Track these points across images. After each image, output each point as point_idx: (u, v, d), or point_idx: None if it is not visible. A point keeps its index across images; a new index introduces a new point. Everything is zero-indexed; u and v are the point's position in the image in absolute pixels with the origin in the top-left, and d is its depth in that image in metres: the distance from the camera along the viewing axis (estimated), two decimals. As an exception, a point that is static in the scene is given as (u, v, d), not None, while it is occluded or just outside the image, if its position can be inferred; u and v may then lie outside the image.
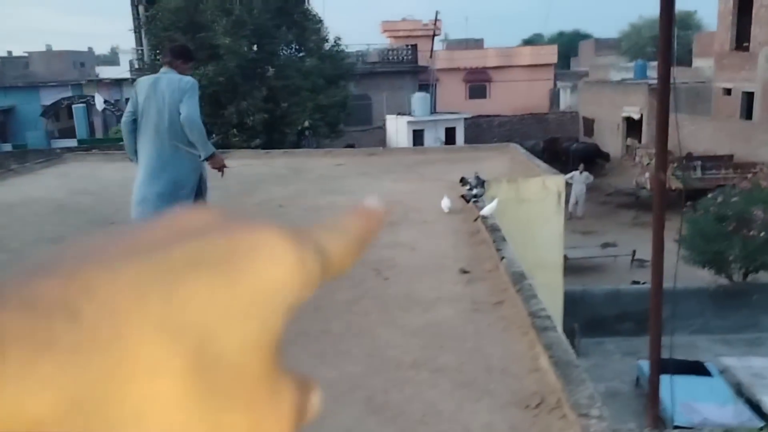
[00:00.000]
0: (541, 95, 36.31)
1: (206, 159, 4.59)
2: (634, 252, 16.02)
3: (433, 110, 28.25)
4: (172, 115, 4.40)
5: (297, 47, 20.62)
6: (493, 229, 5.27)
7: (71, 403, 0.20)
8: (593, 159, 25.90)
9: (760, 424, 8.53)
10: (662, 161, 6.98)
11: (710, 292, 13.33)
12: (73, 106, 27.61)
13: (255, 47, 18.83)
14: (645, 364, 8.58)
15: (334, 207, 6.98)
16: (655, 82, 7.42)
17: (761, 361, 10.50)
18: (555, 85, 38.08)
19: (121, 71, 30.18)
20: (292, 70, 19.33)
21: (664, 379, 7.33)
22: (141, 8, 22.07)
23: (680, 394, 8.11)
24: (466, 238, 5.54)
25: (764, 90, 23.16)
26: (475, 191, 6.68)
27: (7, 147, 24.31)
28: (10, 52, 41.76)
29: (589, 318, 12.41)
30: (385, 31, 37.42)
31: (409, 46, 31.53)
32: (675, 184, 16.42)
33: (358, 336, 3.55)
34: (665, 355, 7.24)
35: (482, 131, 30.02)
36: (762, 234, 12.74)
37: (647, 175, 19.60)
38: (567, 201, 15.45)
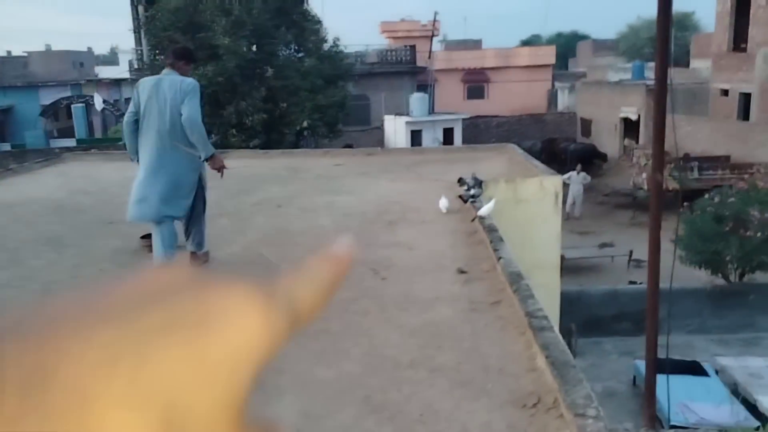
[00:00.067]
0: (539, 96, 36.35)
1: (206, 159, 4.63)
2: (631, 252, 16.05)
3: (432, 111, 28.27)
4: (173, 116, 4.45)
5: (296, 47, 20.62)
6: (491, 230, 5.29)
7: None
8: (591, 159, 25.93)
9: (757, 424, 8.56)
10: (659, 162, 7.00)
11: (707, 292, 13.37)
12: (72, 105, 27.58)
13: (254, 47, 18.82)
14: (642, 364, 8.60)
15: (332, 207, 7.01)
16: (653, 82, 7.45)
17: (758, 361, 10.53)
18: (553, 85, 38.12)
19: (121, 71, 30.15)
20: (291, 70, 19.33)
21: (661, 379, 7.35)
22: (140, 8, 22.05)
23: (677, 394, 8.13)
24: (463, 238, 5.56)
25: (761, 91, 23.20)
26: (472, 191, 6.70)
27: (6, 147, 24.28)
28: (9, 52, 41.67)
29: (586, 318, 12.44)
30: (383, 31, 37.43)
31: (408, 47, 31.53)
32: (672, 184, 16.46)
33: (356, 335, 3.57)
34: (662, 355, 7.26)
35: (480, 132, 30.04)
36: (759, 234, 12.77)
37: (644, 175, 19.60)
38: (564, 201, 15.49)
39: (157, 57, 19.63)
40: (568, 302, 9.36)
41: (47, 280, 4.73)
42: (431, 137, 25.66)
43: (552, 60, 37.53)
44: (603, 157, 27.25)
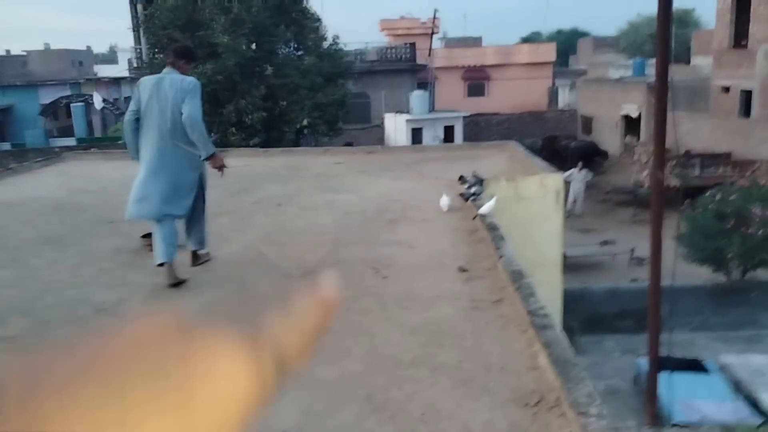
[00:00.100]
0: (539, 93, 36.32)
1: (207, 158, 4.63)
2: (633, 250, 16.04)
3: (432, 108, 28.24)
4: (174, 115, 4.46)
5: (295, 45, 20.61)
6: (492, 228, 5.27)
7: None
8: (592, 157, 25.91)
9: (759, 421, 8.55)
10: (660, 159, 6.99)
11: (709, 289, 13.35)
12: (72, 104, 27.56)
13: (254, 45, 18.81)
14: (644, 362, 8.59)
15: (332, 206, 6.99)
16: (654, 79, 7.43)
17: (760, 358, 10.52)
18: (553, 83, 38.09)
19: (120, 70, 30.18)
20: (290, 68, 19.31)
21: (663, 377, 7.34)
22: (139, 7, 22.05)
23: (679, 392, 8.13)
24: (464, 236, 5.55)
25: (763, 87, 23.17)
26: (473, 189, 6.69)
27: (6, 146, 24.28)
28: (8, 51, 41.65)
29: (588, 316, 12.43)
30: (383, 29, 37.40)
31: (408, 45, 31.50)
32: (673, 181, 16.44)
33: (357, 334, 3.56)
34: (664, 352, 7.26)
35: (481, 129, 30.02)
36: (760, 231, 12.75)
37: (646, 172, 19.58)
38: (565, 199, 15.47)
39: (157, 55, 19.62)
40: (570, 300, 9.34)
41: (48, 280, 4.72)
42: (432, 135, 25.65)
43: (552, 57, 37.49)
44: (604, 154, 27.24)
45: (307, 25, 20.14)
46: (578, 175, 21.16)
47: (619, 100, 28.08)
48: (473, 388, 2.88)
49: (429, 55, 33.34)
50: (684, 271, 11.76)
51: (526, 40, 55.56)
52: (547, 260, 7.49)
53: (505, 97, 35.02)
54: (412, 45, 31.49)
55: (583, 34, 58.07)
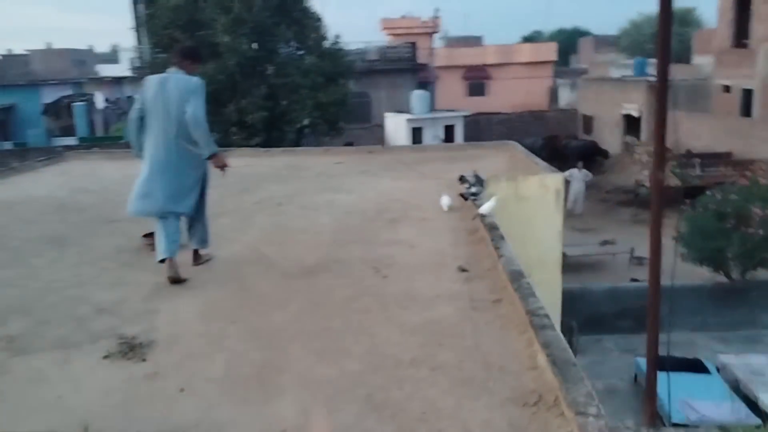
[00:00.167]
0: (540, 93, 36.30)
1: (209, 157, 4.66)
2: (633, 249, 16.05)
3: (432, 108, 28.24)
4: (178, 114, 4.52)
5: (296, 45, 20.60)
6: (492, 228, 5.29)
7: None
8: (592, 156, 25.92)
9: (758, 421, 8.56)
10: (660, 159, 6.99)
11: (708, 289, 13.36)
12: (74, 104, 27.59)
13: (254, 45, 18.81)
14: (643, 362, 8.60)
15: (332, 205, 7.01)
16: (655, 79, 7.44)
17: (759, 359, 10.53)
18: (554, 82, 38.06)
19: (122, 69, 30.17)
20: (291, 67, 19.32)
21: (662, 377, 7.35)
22: (141, 6, 22.06)
23: (678, 392, 8.14)
24: (464, 236, 5.56)
25: (763, 87, 23.16)
26: (473, 189, 6.70)
27: (8, 145, 24.30)
28: (10, 50, 41.63)
29: (588, 315, 12.45)
30: (384, 28, 37.37)
31: (409, 44, 31.49)
32: (674, 181, 16.45)
33: (358, 334, 3.57)
34: (663, 352, 7.26)
35: (481, 129, 30.01)
36: (760, 231, 12.76)
37: (646, 172, 19.59)
38: (566, 199, 15.46)
39: (158, 55, 19.64)
40: (570, 300, 9.36)
41: (49, 279, 4.74)
42: (432, 135, 25.65)
43: (553, 56, 37.46)
44: (604, 154, 27.23)
45: (308, 24, 20.14)
46: (578, 175, 21.16)
47: (620, 100, 28.06)
48: (473, 388, 2.89)
49: (430, 54, 33.36)
50: (684, 271, 11.78)
51: (526, 39, 55.54)
52: (547, 260, 7.51)
53: (506, 96, 35.00)
54: (413, 44, 31.49)
55: (584, 34, 58.04)
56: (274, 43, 19.48)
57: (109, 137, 25.35)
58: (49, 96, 28.56)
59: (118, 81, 28.82)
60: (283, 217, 6.61)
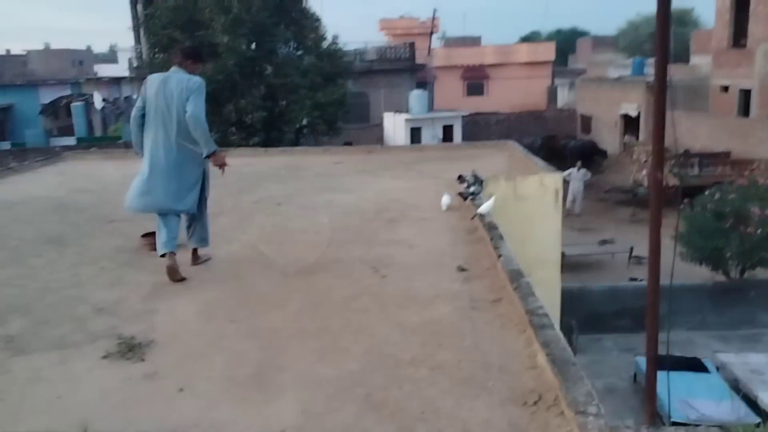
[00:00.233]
0: (538, 92, 36.32)
1: (208, 156, 4.68)
2: (632, 249, 16.07)
3: (431, 108, 28.24)
4: (179, 113, 4.56)
5: (295, 45, 20.61)
6: (491, 227, 5.29)
7: None
8: (591, 156, 25.94)
9: (757, 420, 8.56)
10: (659, 158, 6.99)
11: (708, 288, 13.37)
12: (72, 104, 27.56)
13: (253, 45, 18.81)
14: (642, 361, 8.61)
15: (332, 205, 7.00)
16: (653, 79, 7.44)
17: (758, 358, 10.54)
18: (553, 82, 38.10)
19: (120, 69, 30.18)
20: (290, 68, 19.31)
21: (662, 376, 7.35)
22: (140, 6, 22.05)
23: (677, 391, 8.14)
24: (463, 235, 5.56)
25: (761, 87, 23.19)
26: (472, 189, 6.69)
27: (6, 145, 24.28)
28: (8, 51, 41.62)
29: (587, 315, 12.45)
30: (383, 28, 37.41)
31: (407, 44, 31.50)
32: (672, 181, 16.45)
33: (357, 333, 3.57)
34: (662, 351, 7.26)
35: (480, 129, 30.03)
36: (759, 231, 12.76)
37: (645, 172, 19.61)
38: (564, 198, 15.46)
39: (157, 55, 19.62)
40: (569, 299, 9.36)
41: (47, 279, 4.73)
42: (431, 134, 25.66)
43: (552, 56, 37.50)
44: (603, 153, 27.26)
45: (306, 24, 20.15)
46: (577, 175, 21.18)
47: (618, 100, 28.09)
48: (472, 387, 2.89)
49: (428, 54, 33.36)
50: (683, 271, 11.78)
51: (525, 39, 55.55)
52: (546, 259, 7.51)
53: (504, 96, 35.03)
54: (412, 44, 31.49)
55: (583, 34, 58.09)
56: (272, 44, 19.48)
57: (107, 137, 25.33)
58: (48, 96, 28.52)
59: (116, 81, 28.80)
60: (282, 217, 6.61)
